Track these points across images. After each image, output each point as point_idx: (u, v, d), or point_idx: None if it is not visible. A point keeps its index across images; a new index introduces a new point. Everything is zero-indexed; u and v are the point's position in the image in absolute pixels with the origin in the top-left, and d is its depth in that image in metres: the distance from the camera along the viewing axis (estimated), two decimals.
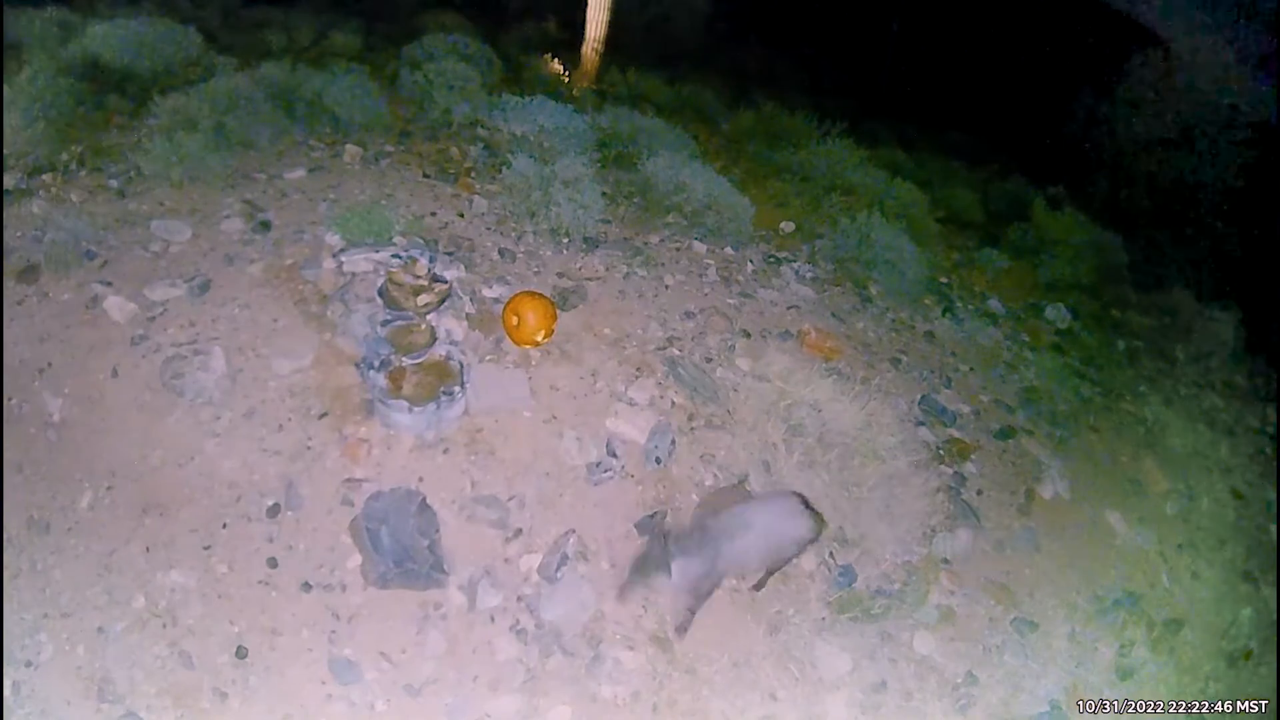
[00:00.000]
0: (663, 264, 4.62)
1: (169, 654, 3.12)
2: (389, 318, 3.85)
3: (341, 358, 3.75)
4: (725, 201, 5.02)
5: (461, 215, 4.52)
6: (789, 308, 4.67)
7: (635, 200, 5.03)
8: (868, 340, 4.72)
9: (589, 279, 4.39)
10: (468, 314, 4.02)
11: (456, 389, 3.65)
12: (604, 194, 4.78)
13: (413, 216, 4.35)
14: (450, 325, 3.94)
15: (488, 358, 3.86)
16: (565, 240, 4.54)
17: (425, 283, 3.99)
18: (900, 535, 3.89)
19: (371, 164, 4.75)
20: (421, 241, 4.26)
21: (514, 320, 3.84)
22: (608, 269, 4.46)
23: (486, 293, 4.13)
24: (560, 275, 4.36)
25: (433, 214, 4.45)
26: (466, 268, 4.21)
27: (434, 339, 3.83)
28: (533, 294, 3.97)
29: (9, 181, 4.18)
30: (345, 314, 3.86)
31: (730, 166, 5.94)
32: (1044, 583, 4.05)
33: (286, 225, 4.20)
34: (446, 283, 4.04)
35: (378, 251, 4.10)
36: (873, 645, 3.61)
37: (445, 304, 3.97)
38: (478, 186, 4.72)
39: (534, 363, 3.86)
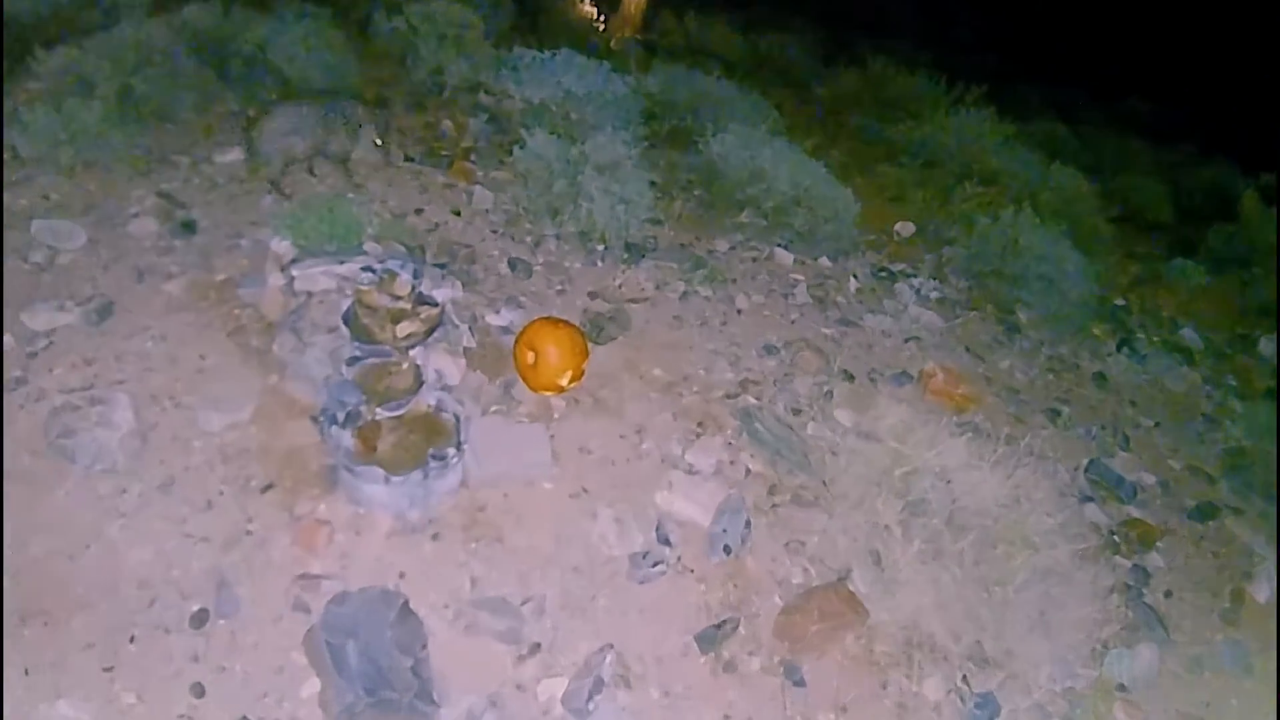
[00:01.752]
0: (734, 280, 4.69)
1: None
2: (358, 354, 3.87)
3: (293, 409, 3.76)
4: (819, 194, 5.06)
5: (457, 213, 4.57)
6: (907, 340, 4.71)
7: (696, 193, 5.11)
8: (1014, 384, 4.74)
9: (632, 300, 4.46)
10: (466, 349, 4.05)
11: (450, 451, 3.66)
12: (653, 184, 4.81)
13: (390, 215, 4.39)
14: (442, 364, 3.96)
15: (493, 409, 3.89)
16: (600, 247, 4.61)
17: (407, 306, 4.04)
18: (1059, 652, 3.83)
19: None
20: (403, 249, 4.28)
21: (530, 357, 3.89)
22: (658, 287, 4.53)
23: (492, 320, 4.19)
24: (593, 295, 4.42)
25: (418, 211, 4.49)
26: (464, 285, 4.25)
27: (419, 383, 3.85)
28: (555, 322, 4.01)
29: None
30: (298, 349, 3.88)
31: (826, 146, 5.97)
32: (1256, 716, 3.98)
33: (217, 227, 4.24)
34: (437, 306, 4.07)
35: (342, 263, 4.13)
36: None
37: (435, 335, 4.00)
38: (480, 174, 4.78)
39: (557, 415, 3.90)
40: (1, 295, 3.75)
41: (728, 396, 4.19)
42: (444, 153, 4.86)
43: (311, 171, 4.79)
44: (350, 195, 4.39)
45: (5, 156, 4.41)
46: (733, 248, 4.87)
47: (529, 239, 4.51)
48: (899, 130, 6.20)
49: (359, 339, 3.92)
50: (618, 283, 4.49)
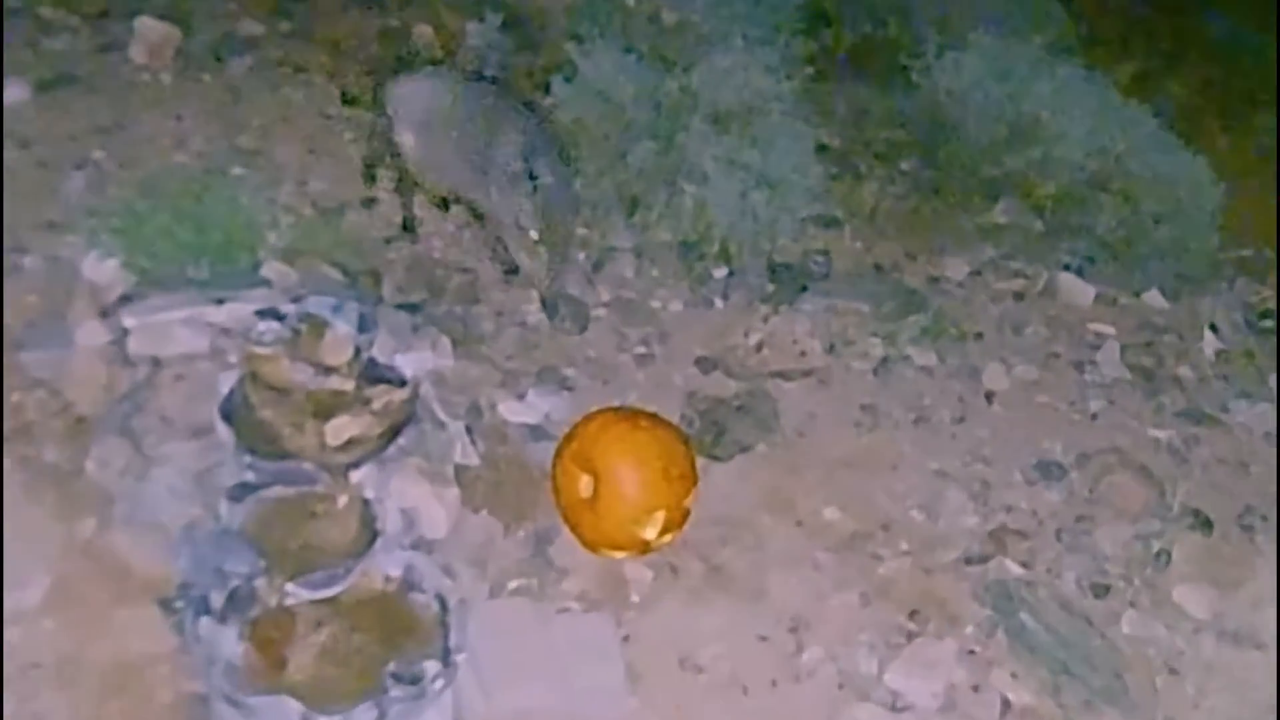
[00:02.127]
0: (978, 335, 4.67)
1: None
2: (252, 478, 3.75)
3: (125, 584, 3.67)
4: (1145, 168, 5.04)
5: (442, 207, 4.59)
6: None
7: (905, 165, 5.11)
8: None
9: (781, 375, 4.39)
10: (460, 468, 3.95)
11: (430, 668, 3.49)
12: (823, 149, 4.82)
13: (314, 209, 4.40)
14: (415, 497, 3.84)
15: (514, 584, 3.82)
16: (720, 271, 4.59)
17: (347, 385, 3.89)
18: None
19: (205, 72, 4.86)
20: (338, 275, 4.27)
21: (585, 485, 3.80)
22: (832, 348, 4.47)
23: (510, 412, 4.13)
24: (707, 365, 4.36)
25: (368, 203, 4.52)
26: (457, 345, 4.21)
27: (370, 535, 3.71)
28: (633, 418, 3.90)
29: None
30: (134, 468, 3.81)
31: (1157, 77, 5.97)
32: None
33: None
34: (404, 385, 3.95)
35: (221, 302, 4.07)
36: None
37: (401, 441, 3.90)
38: None
39: (637, 598, 3.91)
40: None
41: (967, 561, 4.16)
42: None
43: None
44: (237, 170, 4.37)
45: None
46: (976, 272, 4.81)
47: (582, 255, 4.45)
48: None
49: (253, 449, 3.77)
50: (753, 340, 4.36)
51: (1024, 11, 5.61)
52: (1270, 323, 5.18)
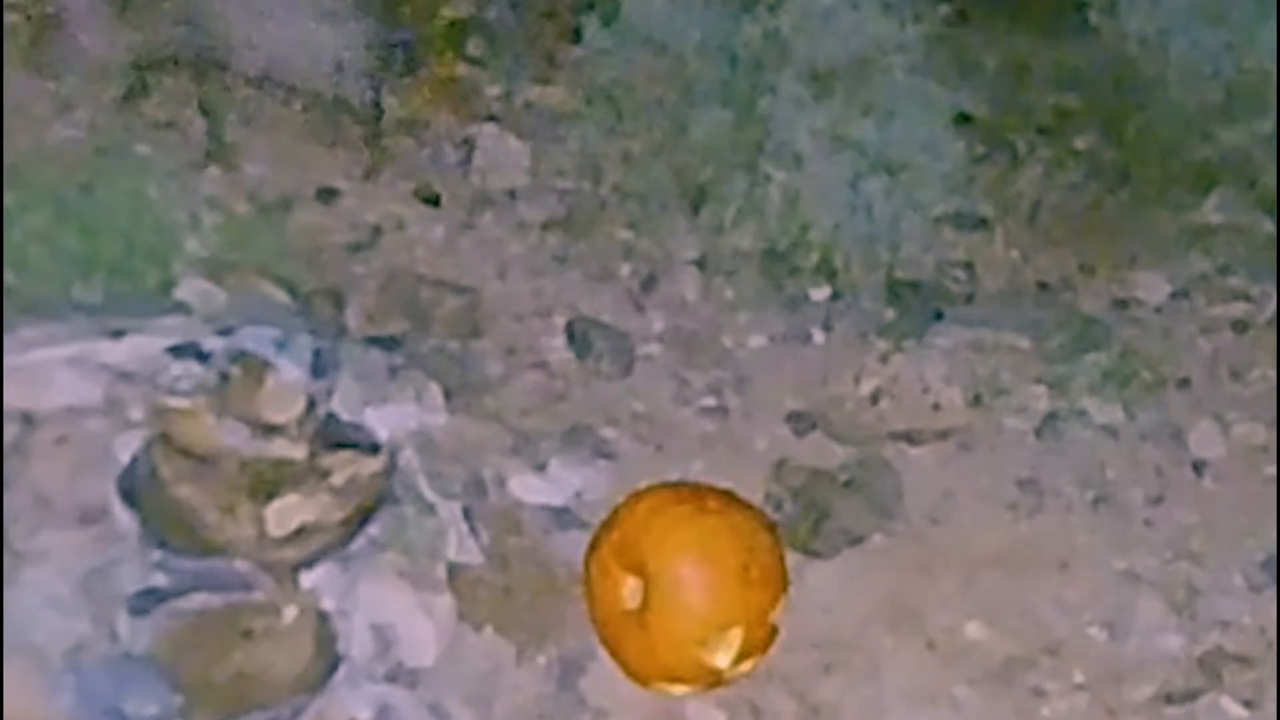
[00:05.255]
0: (1184, 381, 4.66)
1: None
2: (166, 582, 3.69)
3: None
4: None
5: (433, 201, 4.59)
6: None
7: (1076, 144, 5.09)
8: None
9: (906, 438, 4.36)
10: (455, 567, 3.91)
11: None
12: (964, 120, 4.83)
13: (250, 205, 4.42)
14: (391, 609, 3.81)
15: None
16: (821, 292, 4.59)
17: (298, 452, 3.82)
18: None
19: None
20: (283, 299, 4.25)
21: (631, 590, 3.74)
22: (975, 400, 4.44)
23: (523, 489, 4.08)
24: (801, 422, 4.32)
25: (325, 195, 4.51)
26: (451, 396, 4.16)
27: (330, 663, 3.69)
28: (698, 499, 3.85)
29: None
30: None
31: None
32: None
33: None
34: (376, 451, 3.92)
35: (119, 336, 4.03)
36: None
37: (370, 528, 3.87)
38: (493, 93, 4.85)
39: None
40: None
41: (1168, 699, 3.98)
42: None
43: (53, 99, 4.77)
44: (141, 148, 4.39)
45: None
46: (1180, 293, 4.79)
47: (626, 268, 4.42)
48: None
49: (165, 541, 3.73)
50: (867, 388, 4.34)
51: None
52: None
